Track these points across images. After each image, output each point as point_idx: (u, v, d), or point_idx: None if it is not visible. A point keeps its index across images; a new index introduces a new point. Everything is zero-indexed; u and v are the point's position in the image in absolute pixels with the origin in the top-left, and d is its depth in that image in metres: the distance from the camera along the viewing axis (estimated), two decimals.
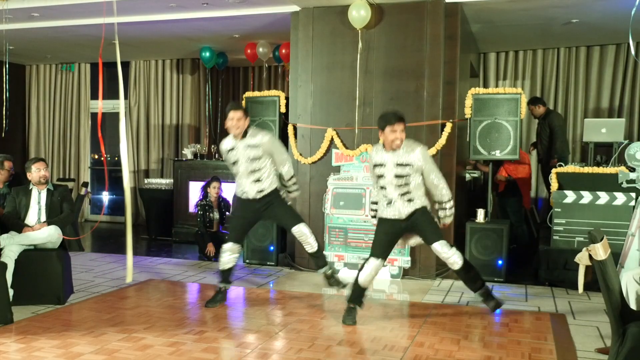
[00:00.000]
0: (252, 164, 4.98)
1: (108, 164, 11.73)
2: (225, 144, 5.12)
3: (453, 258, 4.60)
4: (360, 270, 4.74)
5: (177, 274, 6.50)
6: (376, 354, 4.00)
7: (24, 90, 11.53)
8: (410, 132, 6.34)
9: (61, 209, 5.44)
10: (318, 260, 5.20)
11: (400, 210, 4.58)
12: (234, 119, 4.95)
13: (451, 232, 6.04)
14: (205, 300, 5.33)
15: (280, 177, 5.15)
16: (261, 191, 5.02)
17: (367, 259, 4.73)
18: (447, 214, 4.73)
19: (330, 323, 4.72)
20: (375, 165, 4.64)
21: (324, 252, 6.45)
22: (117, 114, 11.00)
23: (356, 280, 4.74)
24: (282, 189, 5.19)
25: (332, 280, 5.21)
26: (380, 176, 4.60)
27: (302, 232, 5.09)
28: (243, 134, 5.01)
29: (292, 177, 5.18)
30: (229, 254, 5.15)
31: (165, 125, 10.59)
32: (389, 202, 4.59)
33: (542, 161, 8.05)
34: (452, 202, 4.72)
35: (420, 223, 4.62)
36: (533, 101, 8.00)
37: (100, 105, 4.83)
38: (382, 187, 4.61)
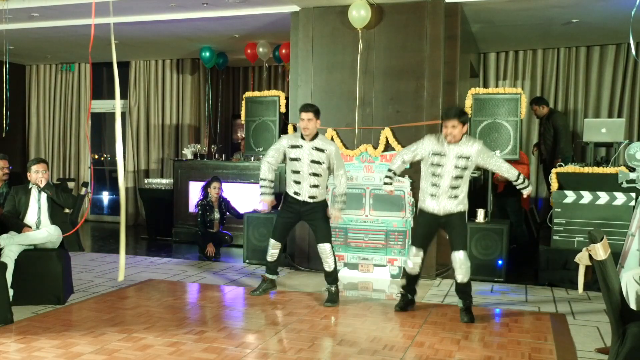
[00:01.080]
0: (313, 167, 5.15)
1: (108, 164, 11.75)
2: (290, 139, 5.27)
3: (466, 270, 4.82)
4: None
5: (177, 274, 6.51)
6: (376, 354, 4.00)
7: (24, 90, 11.54)
8: (410, 132, 6.36)
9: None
10: (329, 278, 5.35)
11: (440, 205, 4.78)
12: (305, 120, 5.11)
13: None
14: (205, 300, 5.35)
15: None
16: (314, 197, 5.22)
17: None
18: (526, 185, 4.94)
19: (330, 323, 4.73)
20: (433, 154, 4.78)
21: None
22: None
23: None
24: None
25: (332, 297, 5.28)
26: (437, 165, 4.76)
27: (326, 251, 5.29)
28: (313, 137, 5.18)
29: (344, 193, 5.33)
30: (272, 248, 5.44)
31: (165, 125, 10.59)
32: (433, 195, 4.79)
33: (546, 161, 8.04)
34: (522, 177, 4.93)
35: (454, 225, 4.84)
36: (537, 101, 7.99)
37: (90, 105, 4.84)
38: (434, 175, 4.77)
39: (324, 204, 5.34)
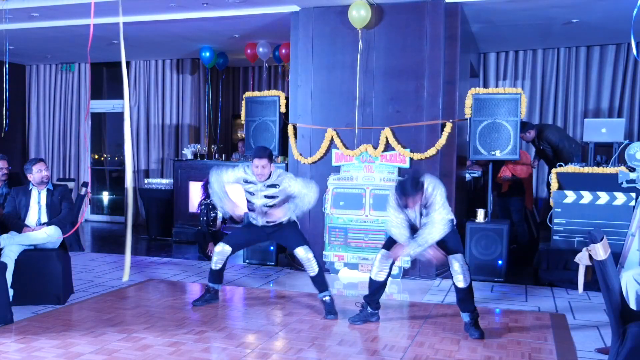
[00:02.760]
0: (268, 201, 4.99)
1: (108, 164, 11.75)
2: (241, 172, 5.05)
3: (463, 274, 4.38)
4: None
5: (177, 274, 6.51)
6: (376, 354, 4.01)
7: (24, 90, 11.53)
8: (410, 132, 6.37)
9: (61, 208, 5.44)
10: (319, 285, 4.99)
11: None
12: (259, 167, 4.88)
13: None
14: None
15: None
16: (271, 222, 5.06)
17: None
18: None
19: (330, 323, 4.72)
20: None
21: (325, 251, 6.49)
22: (117, 114, 11.00)
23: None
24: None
25: (330, 308, 4.89)
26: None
27: (304, 255, 4.97)
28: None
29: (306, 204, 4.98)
30: (219, 255, 5.12)
31: (165, 125, 10.59)
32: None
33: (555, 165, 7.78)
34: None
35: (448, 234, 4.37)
36: (521, 129, 6.91)
37: (89, 105, 4.83)
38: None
39: (288, 222, 5.08)
